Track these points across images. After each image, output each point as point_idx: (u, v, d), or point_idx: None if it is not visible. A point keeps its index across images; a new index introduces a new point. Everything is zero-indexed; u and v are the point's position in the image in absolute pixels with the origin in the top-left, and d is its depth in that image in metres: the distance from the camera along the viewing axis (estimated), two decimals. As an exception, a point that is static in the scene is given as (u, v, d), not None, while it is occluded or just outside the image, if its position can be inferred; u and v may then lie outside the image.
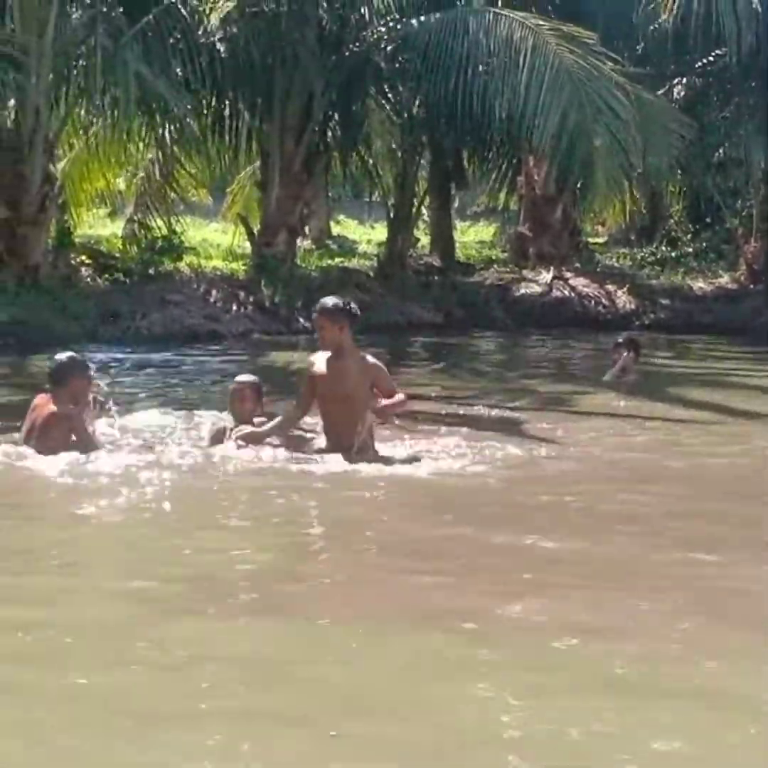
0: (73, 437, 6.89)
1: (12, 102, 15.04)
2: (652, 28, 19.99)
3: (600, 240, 27.48)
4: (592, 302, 19.16)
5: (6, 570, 4.94)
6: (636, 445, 8.23)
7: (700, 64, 20.91)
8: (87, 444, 6.85)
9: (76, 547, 5.49)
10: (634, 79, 17.25)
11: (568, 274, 19.88)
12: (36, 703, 3.49)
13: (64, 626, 4.17)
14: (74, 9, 16.53)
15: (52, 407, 6.93)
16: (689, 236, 24.23)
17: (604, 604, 4.58)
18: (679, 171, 20.95)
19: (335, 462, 6.80)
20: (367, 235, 29.52)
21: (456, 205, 28.64)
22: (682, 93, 21.38)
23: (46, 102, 15.18)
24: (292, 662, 3.88)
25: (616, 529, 5.84)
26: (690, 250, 23.36)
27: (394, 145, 20.97)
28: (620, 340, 11.87)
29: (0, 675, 3.72)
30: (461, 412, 9.61)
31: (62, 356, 7.21)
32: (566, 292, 19.36)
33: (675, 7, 18.80)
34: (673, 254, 22.92)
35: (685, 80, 21.36)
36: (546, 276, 19.75)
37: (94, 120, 17.71)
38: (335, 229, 30.43)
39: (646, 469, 7.41)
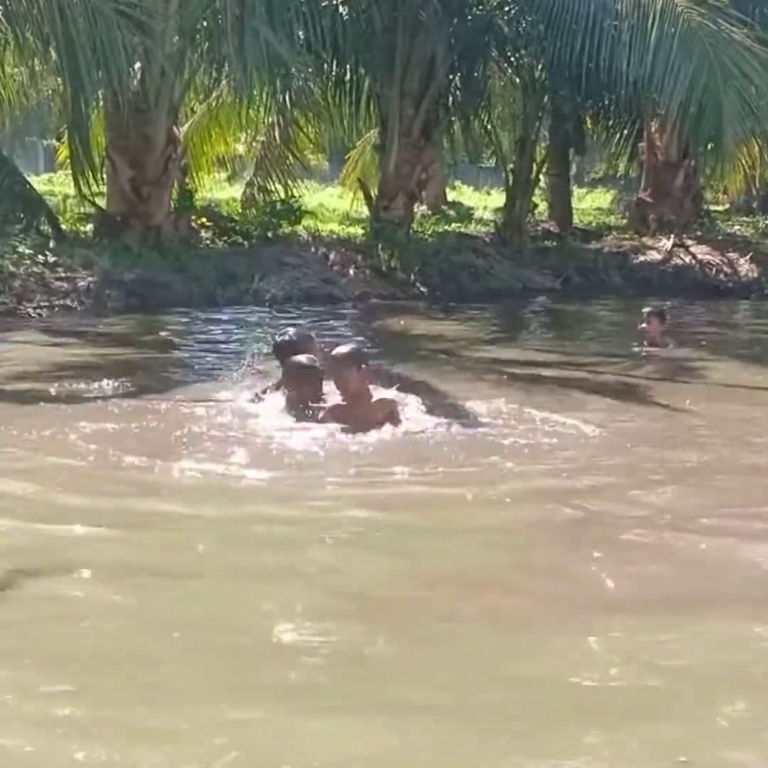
0: None
1: (138, 65, 15.23)
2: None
3: (721, 208, 26.93)
4: (713, 270, 18.77)
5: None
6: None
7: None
8: None
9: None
10: (763, 43, 16.79)
11: (689, 242, 19.51)
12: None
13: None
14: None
15: None
16: (814, 204, 23.64)
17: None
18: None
19: None
20: (483, 201, 29.39)
21: (574, 171, 28.33)
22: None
23: (171, 65, 15.35)
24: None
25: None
26: (814, 217, 22.78)
27: (514, 110, 20.79)
28: (651, 310, 11.37)
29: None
30: (579, 377, 9.55)
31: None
32: (687, 260, 19.00)
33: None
34: (797, 222, 22.37)
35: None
36: (666, 243, 19.42)
37: (217, 84, 17.87)
38: (451, 195, 30.37)
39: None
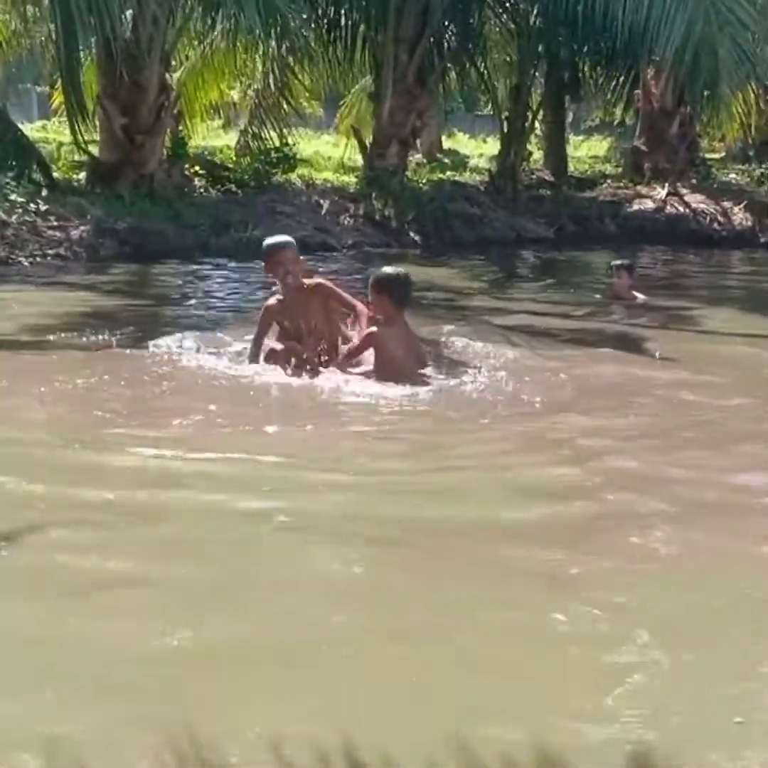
0: None
1: (130, 12, 15.11)
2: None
3: (717, 156, 26.81)
4: (707, 219, 18.75)
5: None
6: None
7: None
8: None
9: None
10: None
11: (684, 190, 19.46)
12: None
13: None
14: None
15: None
16: (810, 151, 23.52)
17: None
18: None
19: None
20: (479, 149, 29.28)
21: (570, 119, 28.14)
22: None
23: (163, 11, 15.22)
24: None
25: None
26: (811, 165, 22.68)
27: (509, 57, 20.65)
28: (620, 264, 11.10)
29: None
30: (573, 327, 9.59)
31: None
32: (681, 209, 18.96)
33: None
34: (793, 170, 22.23)
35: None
36: (661, 192, 19.37)
37: (211, 29, 17.73)
38: (446, 143, 30.25)
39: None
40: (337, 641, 3.40)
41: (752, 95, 18.32)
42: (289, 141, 21.39)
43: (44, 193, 14.65)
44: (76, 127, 15.65)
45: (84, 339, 8.02)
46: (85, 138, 15.95)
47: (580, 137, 32.96)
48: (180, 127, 18.96)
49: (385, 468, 5.26)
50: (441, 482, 5.04)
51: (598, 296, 11.08)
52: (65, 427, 5.79)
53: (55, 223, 13.82)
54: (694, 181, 20.31)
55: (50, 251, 13.25)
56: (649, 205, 19.12)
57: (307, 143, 25.51)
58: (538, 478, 5.11)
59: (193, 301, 11.07)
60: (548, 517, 4.61)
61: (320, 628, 3.49)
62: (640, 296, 10.95)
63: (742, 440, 5.81)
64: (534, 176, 21.55)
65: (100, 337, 8.07)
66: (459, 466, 5.29)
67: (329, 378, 6.72)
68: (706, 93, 16.79)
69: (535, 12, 18.63)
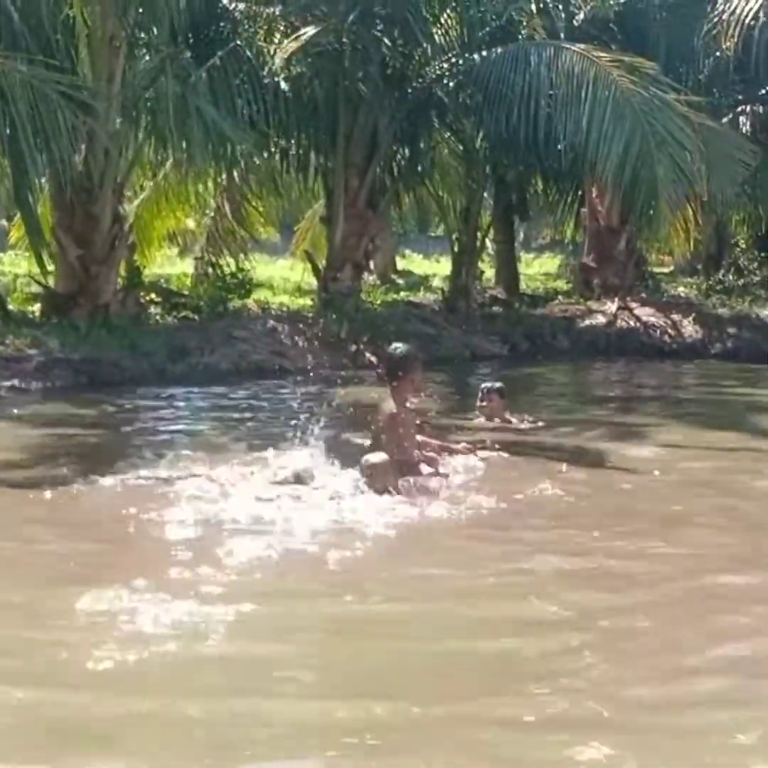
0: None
1: (82, 146, 15.36)
2: (716, 54, 20.05)
3: (666, 269, 27.36)
4: (658, 332, 19.03)
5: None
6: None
7: (764, 91, 20.93)
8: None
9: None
10: (696, 108, 17.14)
11: (633, 305, 19.77)
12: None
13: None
14: (143, 53, 16.89)
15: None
16: (756, 264, 24.08)
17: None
18: (744, 199, 20.85)
19: None
20: (433, 268, 29.73)
21: (521, 237, 28.72)
22: (748, 121, 21.32)
23: (115, 145, 15.50)
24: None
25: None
26: (757, 278, 23.19)
27: (459, 179, 21.11)
28: (491, 387, 10.74)
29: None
30: (530, 440, 9.65)
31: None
32: (631, 323, 19.25)
33: (736, 35, 18.86)
34: (740, 282, 22.72)
35: (748, 108, 21.27)
36: (611, 306, 19.67)
37: (163, 161, 18.06)
38: (401, 264, 30.74)
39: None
40: None
41: (691, 212, 18.74)
42: (246, 266, 21.66)
43: (-1, 325, 14.70)
44: (37, 258, 15.82)
45: (36, 473, 7.98)
46: (43, 269, 16.08)
47: (531, 255, 33.61)
48: (135, 256, 19.14)
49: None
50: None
51: (470, 415, 10.77)
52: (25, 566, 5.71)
53: (11, 355, 13.82)
54: (643, 295, 20.68)
55: (5, 383, 13.21)
56: (601, 319, 19.38)
57: (263, 268, 25.81)
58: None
59: (148, 430, 11.03)
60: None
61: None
62: (514, 420, 10.61)
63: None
64: (487, 294, 21.90)
65: (53, 471, 8.03)
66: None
67: None
68: (645, 209, 17.17)
69: (480, 136, 19.08)
